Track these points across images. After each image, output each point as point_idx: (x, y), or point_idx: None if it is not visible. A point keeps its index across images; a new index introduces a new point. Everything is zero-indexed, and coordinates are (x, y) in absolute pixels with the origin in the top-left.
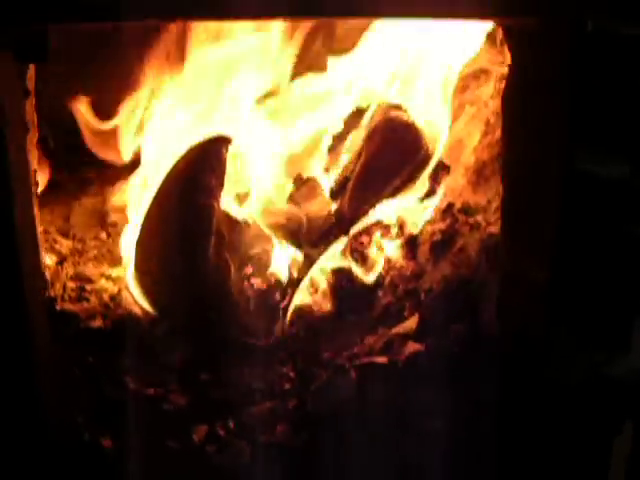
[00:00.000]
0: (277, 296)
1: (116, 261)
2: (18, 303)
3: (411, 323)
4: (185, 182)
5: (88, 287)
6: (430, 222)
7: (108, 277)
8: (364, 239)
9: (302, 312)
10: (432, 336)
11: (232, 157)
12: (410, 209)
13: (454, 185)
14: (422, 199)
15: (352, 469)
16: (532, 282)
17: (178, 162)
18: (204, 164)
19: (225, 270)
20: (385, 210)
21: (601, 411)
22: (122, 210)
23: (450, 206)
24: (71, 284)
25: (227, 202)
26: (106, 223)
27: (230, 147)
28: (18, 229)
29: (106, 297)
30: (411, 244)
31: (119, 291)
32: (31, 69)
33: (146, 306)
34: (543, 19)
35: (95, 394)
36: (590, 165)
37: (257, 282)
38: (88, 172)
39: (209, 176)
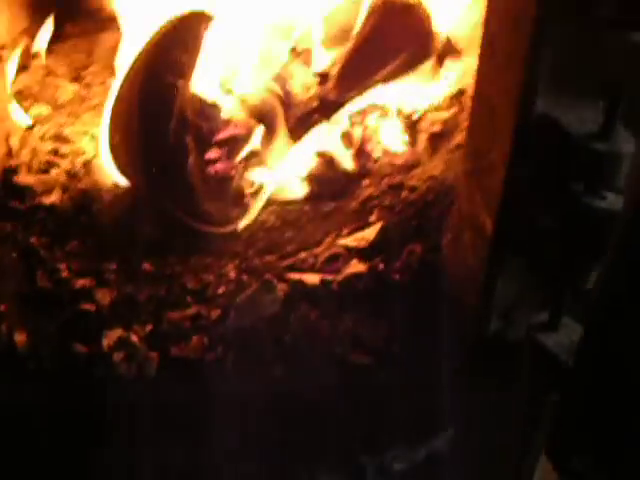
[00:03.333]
0: (244, 181)
1: None
2: None
3: (370, 234)
4: (154, 57)
5: (64, 149)
6: (435, 109)
7: (92, 137)
8: (355, 123)
9: (268, 201)
10: (384, 254)
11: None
12: (413, 94)
13: (468, 70)
14: (424, 85)
15: (260, 392)
16: (480, 224)
17: (154, 35)
18: (177, 41)
19: (184, 153)
20: (380, 94)
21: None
22: None
23: (461, 92)
24: (46, 146)
25: (205, 83)
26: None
27: (210, 25)
28: None
29: (78, 164)
30: (410, 131)
31: (94, 157)
32: None
33: (115, 175)
34: None
35: (25, 282)
36: (555, 112)
37: (221, 167)
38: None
39: (180, 54)
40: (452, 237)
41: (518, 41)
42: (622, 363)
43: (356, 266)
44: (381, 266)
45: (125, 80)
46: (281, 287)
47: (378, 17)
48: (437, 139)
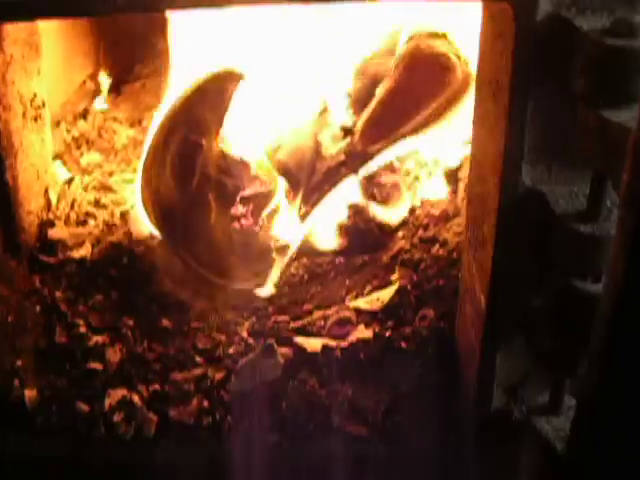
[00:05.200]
0: (270, 238)
1: None
2: None
3: (386, 295)
4: (179, 115)
5: (105, 199)
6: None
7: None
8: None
9: (299, 254)
10: (394, 319)
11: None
12: (449, 144)
13: None
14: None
15: (255, 459)
16: (477, 298)
17: (181, 95)
18: (204, 99)
19: (206, 209)
20: (417, 143)
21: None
22: None
23: None
24: (89, 196)
25: (234, 139)
26: None
27: (241, 84)
28: None
29: (117, 213)
30: (447, 181)
31: (133, 206)
32: None
33: (148, 226)
34: None
35: (43, 337)
36: (544, 185)
37: (248, 223)
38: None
39: (206, 112)
40: (460, 306)
41: (498, 110)
42: (615, 446)
43: (362, 332)
44: (388, 333)
45: (155, 136)
46: (285, 351)
47: (406, 68)
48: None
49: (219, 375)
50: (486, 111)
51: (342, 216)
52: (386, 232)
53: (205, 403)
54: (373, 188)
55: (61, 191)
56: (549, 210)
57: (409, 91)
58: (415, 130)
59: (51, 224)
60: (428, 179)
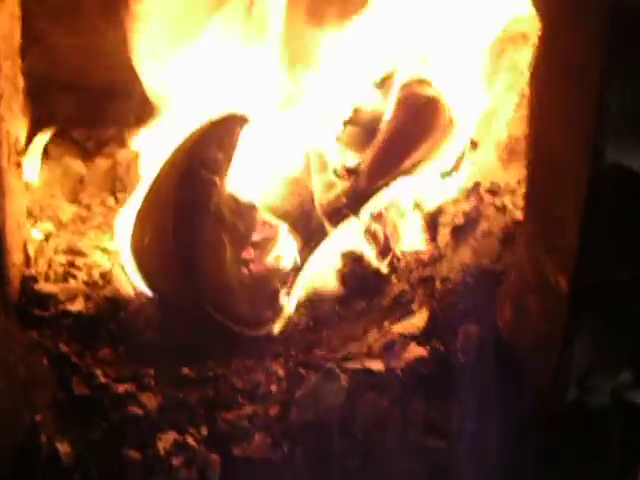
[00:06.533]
0: (277, 283)
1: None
2: None
3: (419, 320)
4: (191, 155)
5: (79, 262)
6: (454, 202)
7: (104, 250)
8: (378, 220)
9: (304, 301)
10: (440, 338)
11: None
12: (431, 188)
13: (483, 161)
14: (444, 177)
15: None
16: (552, 285)
17: (190, 136)
18: (214, 140)
19: (220, 252)
20: (403, 189)
21: (622, 439)
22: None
23: (477, 185)
24: (60, 258)
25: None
26: (115, 189)
27: (245, 127)
28: None
29: (96, 274)
30: (431, 225)
31: (112, 268)
32: None
33: (138, 284)
34: None
35: (60, 390)
36: (625, 159)
37: (256, 268)
38: (104, 130)
39: (217, 152)
40: (512, 309)
41: (583, 92)
42: None
43: (416, 350)
44: (442, 348)
45: (157, 180)
46: (342, 377)
47: (403, 111)
48: (460, 231)
49: (273, 410)
50: (563, 94)
51: (337, 263)
52: (381, 277)
53: (268, 438)
54: (368, 235)
55: (38, 248)
56: (636, 179)
57: (406, 132)
58: (411, 168)
59: (34, 279)
60: (409, 226)
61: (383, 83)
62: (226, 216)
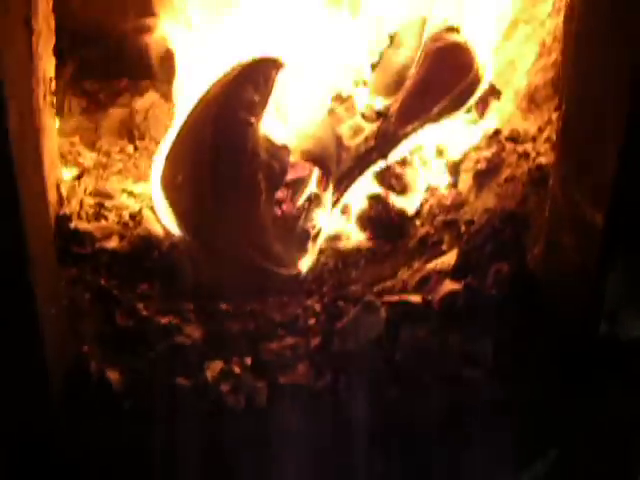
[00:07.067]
0: (308, 224)
1: (140, 177)
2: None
3: (449, 258)
4: (227, 96)
5: (108, 204)
6: (475, 149)
7: (130, 193)
8: (403, 164)
9: (333, 241)
10: (472, 275)
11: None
12: (455, 135)
13: (503, 110)
14: (468, 124)
15: (376, 414)
16: (587, 221)
17: (222, 77)
18: (249, 81)
19: (256, 193)
20: (427, 135)
21: None
22: (153, 123)
23: (497, 133)
24: (89, 200)
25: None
26: (134, 136)
27: (280, 71)
28: (14, 142)
29: (126, 215)
30: (453, 171)
31: (140, 209)
32: None
33: (169, 225)
34: None
35: (105, 322)
36: None
37: (288, 208)
38: (117, 82)
39: (253, 93)
40: (545, 247)
41: (623, 33)
42: None
43: (451, 285)
44: (475, 283)
45: (189, 119)
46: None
47: (431, 57)
48: (483, 176)
49: (315, 341)
50: (605, 34)
51: (359, 206)
52: (406, 221)
53: (311, 367)
54: (390, 179)
55: (69, 188)
56: None
57: (434, 79)
58: (439, 116)
59: (68, 219)
60: (432, 172)
61: (412, 28)
62: (262, 156)
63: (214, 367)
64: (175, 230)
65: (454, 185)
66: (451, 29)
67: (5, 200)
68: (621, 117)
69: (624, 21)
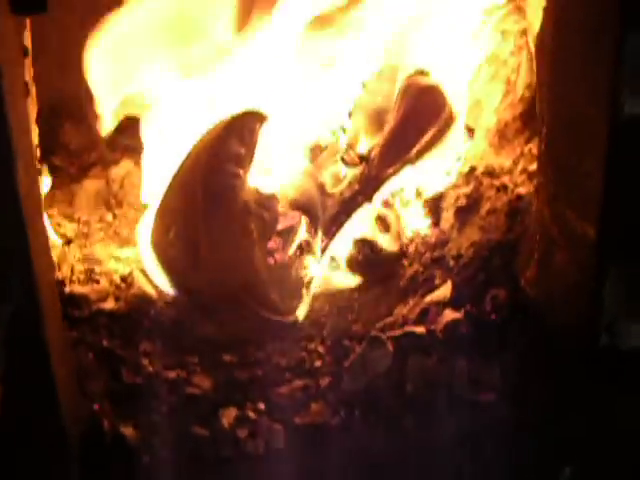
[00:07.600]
0: (301, 271)
1: (124, 242)
2: (28, 286)
3: (444, 292)
4: (214, 150)
5: (97, 269)
6: (453, 187)
7: (117, 258)
8: (386, 207)
9: (326, 286)
10: (469, 304)
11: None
12: (432, 175)
13: (476, 148)
14: (446, 163)
15: (394, 445)
16: (579, 235)
17: (208, 133)
18: (235, 135)
19: (250, 243)
20: (407, 176)
21: None
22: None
23: (473, 170)
24: (79, 266)
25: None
26: (111, 205)
27: (264, 124)
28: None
29: (117, 279)
30: (434, 210)
31: (130, 272)
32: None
33: (162, 285)
34: None
35: (112, 380)
36: None
37: (280, 257)
38: (90, 153)
39: (239, 146)
40: (538, 268)
41: (599, 48)
42: None
43: (452, 314)
44: (474, 310)
45: (178, 177)
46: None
47: (406, 102)
48: (465, 212)
49: (324, 381)
50: (580, 52)
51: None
52: (393, 261)
53: (325, 406)
54: (379, 220)
55: (60, 254)
56: None
57: (411, 120)
58: (418, 156)
59: (62, 283)
60: (413, 213)
61: (385, 73)
62: (252, 207)
63: (229, 414)
64: (168, 289)
65: (436, 224)
66: (421, 72)
67: (18, 252)
68: (603, 131)
69: (598, 40)
